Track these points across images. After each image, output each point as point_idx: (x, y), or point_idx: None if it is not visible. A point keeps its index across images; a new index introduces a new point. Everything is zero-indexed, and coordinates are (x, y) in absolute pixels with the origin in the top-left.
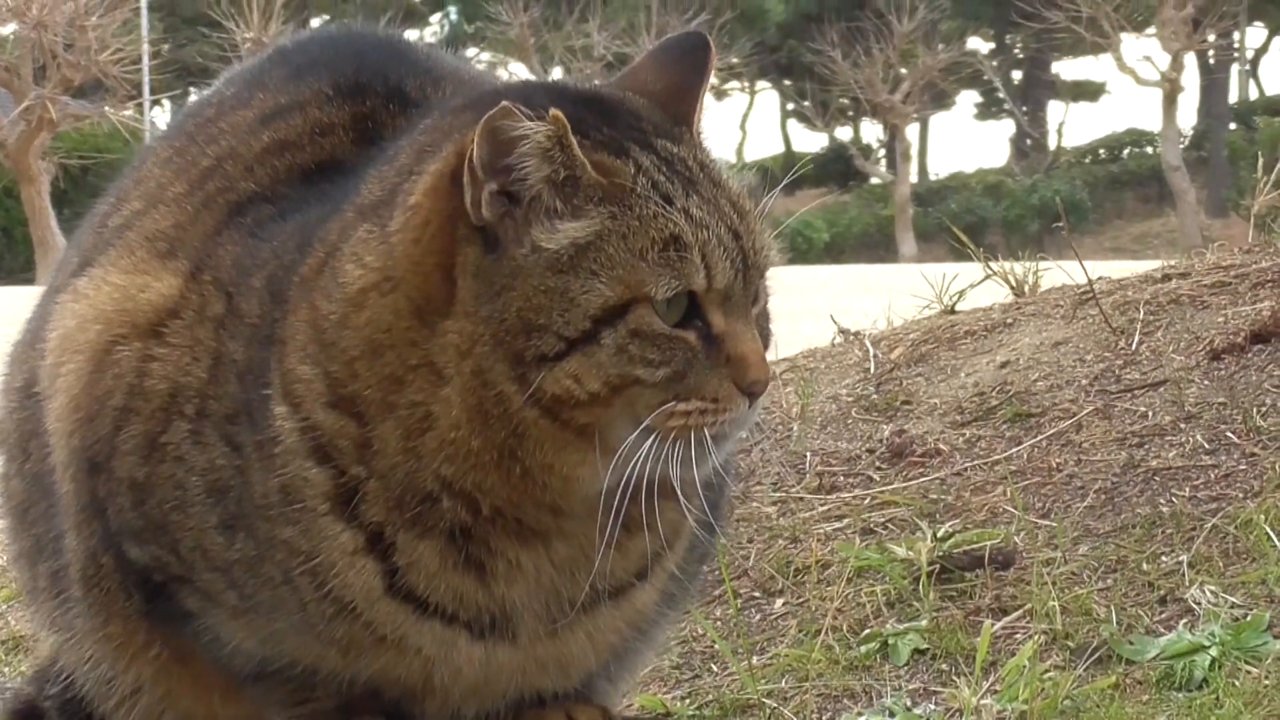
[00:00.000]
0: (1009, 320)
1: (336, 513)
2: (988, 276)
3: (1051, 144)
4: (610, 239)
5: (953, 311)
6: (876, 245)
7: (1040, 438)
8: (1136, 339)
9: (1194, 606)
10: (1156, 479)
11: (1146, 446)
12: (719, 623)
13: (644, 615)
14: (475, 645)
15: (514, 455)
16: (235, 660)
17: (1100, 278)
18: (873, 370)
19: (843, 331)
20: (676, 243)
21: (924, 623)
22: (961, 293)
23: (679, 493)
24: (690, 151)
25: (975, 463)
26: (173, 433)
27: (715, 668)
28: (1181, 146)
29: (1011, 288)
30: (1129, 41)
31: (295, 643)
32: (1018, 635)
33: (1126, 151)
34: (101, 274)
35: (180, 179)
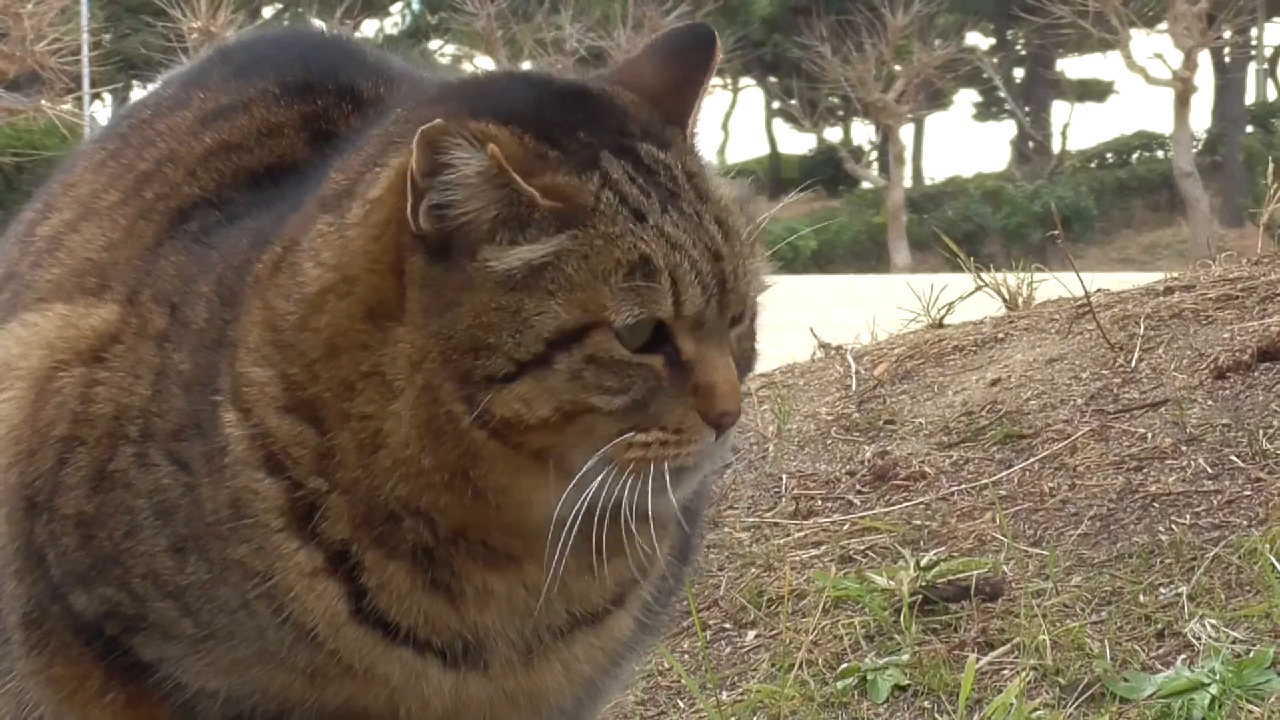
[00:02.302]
0: (1000, 335)
1: (292, 529)
2: (978, 288)
3: (1055, 147)
4: (569, 259)
5: (941, 325)
6: (868, 255)
7: (1032, 460)
8: (1136, 356)
9: (1193, 641)
10: (1155, 505)
11: (1145, 470)
12: (686, 656)
13: (621, 644)
14: (446, 675)
15: (466, 476)
16: (200, 705)
17: (1099, 290)
18: (854, 387)
19: (823, 346)
20: (645, 265)
21: (905, 657)
22: (950, 305)
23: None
24: (678, 158)
25: (962, 487)
26: (119, 459)
27: (682, 704)
28: (1194, 150)
29: (1004, 300)
30: (1139, 38)
31: (260, 672)
32: (1005, 671)
33: (1135, 155)
34: (45, 307)
35: (114, 186)
